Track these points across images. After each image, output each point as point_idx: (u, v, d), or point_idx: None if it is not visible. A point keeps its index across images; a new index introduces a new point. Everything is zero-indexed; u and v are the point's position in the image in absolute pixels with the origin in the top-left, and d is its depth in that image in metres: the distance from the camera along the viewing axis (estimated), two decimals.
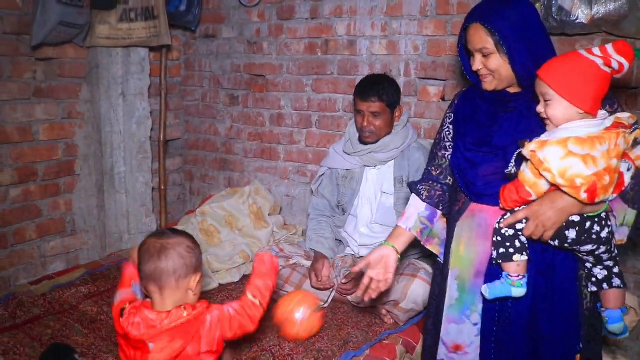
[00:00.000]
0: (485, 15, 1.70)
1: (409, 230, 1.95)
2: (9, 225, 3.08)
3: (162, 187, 3.74)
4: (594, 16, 2.50)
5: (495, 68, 1.72)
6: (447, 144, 1.96)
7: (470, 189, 1.80)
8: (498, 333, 1.76)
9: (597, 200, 1.51)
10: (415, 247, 2.63)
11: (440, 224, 1.99)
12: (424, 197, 1.96)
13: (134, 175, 3.54)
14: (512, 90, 1.78)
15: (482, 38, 1.70)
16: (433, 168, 2.01)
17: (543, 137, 1.57)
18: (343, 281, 2.60)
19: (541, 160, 1.50)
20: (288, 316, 1.95)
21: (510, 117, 1.76)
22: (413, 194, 2.01)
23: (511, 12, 1.67)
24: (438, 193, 1.96)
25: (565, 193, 1.52)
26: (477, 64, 1.75)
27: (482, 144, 1.78)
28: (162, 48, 3.57)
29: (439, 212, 1.98)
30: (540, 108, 1.60)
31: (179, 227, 3.27)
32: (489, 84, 1.77)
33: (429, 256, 2.74)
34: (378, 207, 2.78)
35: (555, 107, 1.56)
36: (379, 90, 2.62)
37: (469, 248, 1.81)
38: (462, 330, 1.84)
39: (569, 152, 1.48)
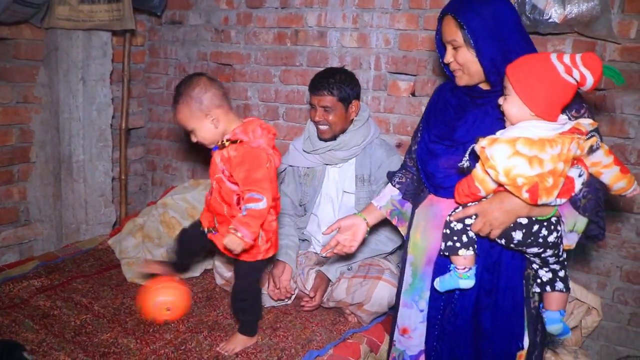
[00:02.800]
0: (457, 8, 1.70)
1: (380, 208, 2.08)
2: None
3: (123, 177, 3.62)
4: (567, 16, 2.48)
5: (463, 61, 1.72)
6: (419, 138, 2.00)
7: (430, 181, 1.86)
8: (443, 323, 1.81)
9: (539, 202, 1.51)
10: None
11: (410, 208, 2.06)
12: (395, 183, 2.09)
13: (94, 164, 3.41)
14: (483, 87, 1.78)
15: (452, 30, 1.71)
16: (408, 159, 2.09)
17: (497, 134, 1.57)
18: (311, 294, 2.52)
19: (487, 157, 1.51)
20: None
21: (476, 113, 1.77)
22: (389, 183, 2.11)
23: (483, 6, 1.67)
24: (407, 181, 2.07)
25: (509, 192, 1.53)
26: (448, 56, 1.77)
27: (444, 137, 1.82)
28: (125, 32, 3.44)
29: None
30: (500, 100, 1.61)
31: (138, 219, 3.18)
32: (460, 79, 1.78)
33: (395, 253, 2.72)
34: (340, 206, 2.72)
35: (510, 103, 1.57)
36: (330, 84, 2.56)
37: (424, 236, 1.86)
38: (410, 314, 1.91)
39: (516, 152, 1.49)
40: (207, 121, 2.07)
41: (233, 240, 1.96)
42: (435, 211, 1.83)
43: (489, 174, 1.53)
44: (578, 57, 1.48)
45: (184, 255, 2.43)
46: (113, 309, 2.52)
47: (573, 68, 1.48)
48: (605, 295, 2.70)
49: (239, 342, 2.26)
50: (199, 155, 3.76)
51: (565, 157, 1.48)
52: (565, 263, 1.71)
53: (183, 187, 3.34)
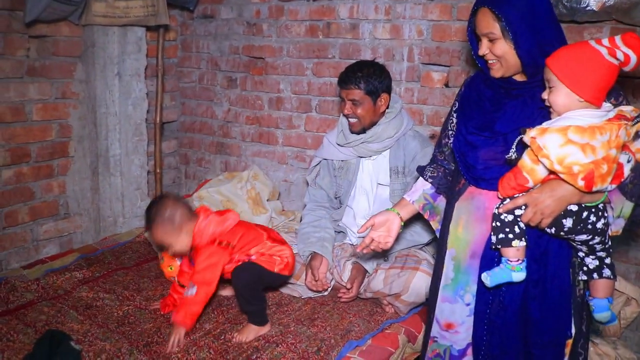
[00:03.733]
0: (494, 0, 1.69)
1: (412, 203, 2.09)
2: (0, 207, 3.00)
3: (158, 171, 3.67)
4: (605, 3, 2.45)
5: (500, 54, 1.72)
6: (450, 132, 2.02)
7: (471, 173, 1.85)
8: (491, 316, 1.81)
9: (594, 189, 1.52)
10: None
11: (443, 202, 2.07)
12: (427, 176, 2.10)
13: (129, 158, 3.47)
14: (518, 78, 1.79)
15: (489, 23, 1.70)
16: (438, 153, 2.10)
17: (545, 124, 1.59)
18: (348, 285, 2.56)
19: (540, 147, 1.52)
20: None
21: (514, 104, 1.77)
22: (420, 178, 2.13)
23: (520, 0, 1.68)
24: (440, 175, 2.08)
25: (564, 180, 1.54)
26: (484, 48, 1.76)
27: (484, 129, 1.81)
28: (159, 28, 3.49)
29: None
30: (544, 94, 1.63)
31: None
32: (496, 71, 1.78)
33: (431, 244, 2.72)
34: (375, 198, 2.73)
35: (557, 93, 1.58)
36: (357, 77, 2.55)
37: (467, 230, 1.86)
38: (454, 309, 1.91)
39: (568, 140, 1.50)
40: (182, 235, 2.33)
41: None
42: (478, 204, 1.82)
43: (542, 164, 1.55)
44: (618, 38, 1.51)
45: None
46: (154, 300, 2.57)
47: (616, 49, 1.50)
48: None
49: (251, 331, 2.34)
50: (232, 148, 3.81)
51: (615, 143, 1.50)
52: (611, 250, 1.71)
53: (218, 180, 3.38)
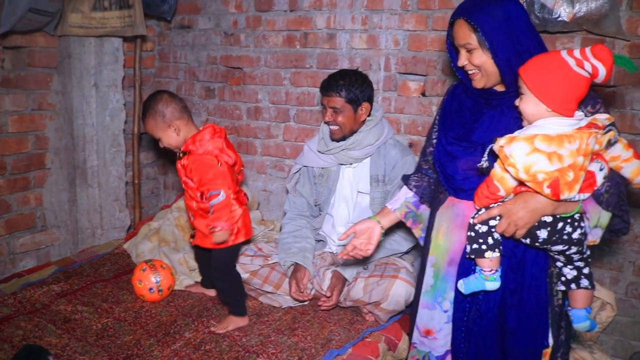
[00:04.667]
0: (469, 10, 1.72)
1: (394, 211, 2.11)
2: None
3: (136, 181, 3.65)
4: (576, 14, 2.51)
5: (479, 63, 1.74)
6: (434, 141, 2.03)
7: (450, 183, 1.87)
8: (469, 324, 1.83)
9: (562, 197, 1.53)
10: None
11: (427, 211, 2.09)
12: (412, 186, 2.12)
13: (107, 169, 3.45)
14: (498, 88, 1.81)
15: (465, 33, 1.73)
16: (423, 162, 2.12)
17: (516, 133, 1.60)
18: (327, 294, 2.57)
19: (507, 155, 1.53)
20: None
21: (492, 114, 1.79)
22: (405, 186, 2.15)
23: (494, 8, 1.70)
24: (424, 184, 2.10)
25: (531, 189, 1.55)
26: (462, 59, 1.78)
27: (462, 139, 1.84)
28: (136, 38, 3.48)
29: None
30: (517, 102, 1.65)
31: (153, 223, 3.21)
32: (478, 82, 1.79)
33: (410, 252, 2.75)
34: (354, 206, 2.74)
35: (526, 102, 1.60)
36: (339, 85, 2.58)
37: (446, 237, 1.88)
38: (433, 316, 1.93)
39: (534, 149, 1.51)
40: (170, 131, 2.44)
41: (218, 235, 2.36)
42: (457, 211, 1.85)
43: (508, 172, 1.56)
44: (588, 49, 1.52)
45: (207, 271, 2.74)
46: (134, 312, 2.56)
47: (584, 61, 1.51)
48: (619, 290, 2.73)
49: (231, 322, 2.47)
50: None
51: (584, 151, 1.50)
52: (590, 260, 1.71)
53: None
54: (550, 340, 1.77)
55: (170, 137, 2.45)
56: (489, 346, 1.81)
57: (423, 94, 3.04)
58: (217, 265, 2.53)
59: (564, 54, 1.55)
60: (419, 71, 3.03)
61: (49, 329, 2.39)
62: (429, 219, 1.99)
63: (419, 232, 2.13)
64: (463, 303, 1.82)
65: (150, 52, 3.86)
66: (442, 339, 1.92)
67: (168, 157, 4.00)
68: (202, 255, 2.69)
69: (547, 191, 1.51)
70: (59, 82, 3.27)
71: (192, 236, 2.59)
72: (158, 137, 2.47)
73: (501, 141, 1.56)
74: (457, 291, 1.82)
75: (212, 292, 2.76)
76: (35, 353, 2.09)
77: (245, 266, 2.70)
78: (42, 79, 3.20)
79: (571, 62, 1.52)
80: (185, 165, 2.44)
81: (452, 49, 1.85)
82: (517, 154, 1.52)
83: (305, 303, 2.67)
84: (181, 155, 2.47)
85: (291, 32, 3.36)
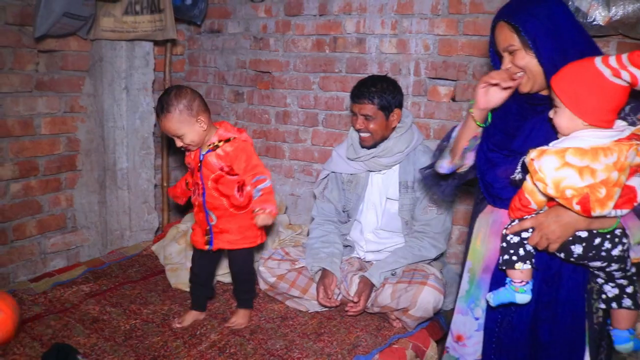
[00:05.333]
0: (510, 12, 1.68)
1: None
2: (8, 220, 3.02)
3: (165, 184, 3.68)
4: (612, 18, 2.46)
5: (523, 65, 1.68)
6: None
7: (489, 191, 1.83)
8: (500, 335, 1.79)
9: (594, 214, 1.47)
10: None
11: None
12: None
13: (137, 171, 3.48)
14: (545, 93, 1.73)
15: (506, 35, 1.68)
16: None
17: (550, 145, 1.54)
18: (355, 299, 2.55)
19: (536, 170, 1.49)
20: None
21: (535, 121, 1.74)
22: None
23: (535, 7, 1.65)
24: None
25: (560, 205, 1.50)
26: (506, 62, 1.72)
27: (503, 147, 1.79)
28: (166, 42, 3.51)
29: None
30: (551, 114, 1.58)
31: (181, 226, 3.23)
32: (523, 86, 1.72)
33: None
34: (383, 213, 2.72)
35: (561, 116, 1.54)
36: (371, 92, 2.56)
37: (483, 243, 1.85)
38: (465, 322, 1.91)
39: (565, 163, 1.46)
40: (197, 125, 2.34)
41: (264, 218, 2.32)
42: (495, 218, 1.82)
43: (537, 187, 1.51)
44: (625, 57, 1.43)
45: (207, 285, 2.68)
46: (162, 314, 2.57)
47: (621, 70, 1.43)
48: None
49: (246, 315, 2.55)
50: None
51: (621, 165, 1.44)
52: (635, 278, 1.63)
53: None
54: (588, 359, 1.69)
55: (196, 132, 2.33)
56: (521, 358, 1.77)
57: (453, 99, 3.01)
58: (245, 263, 2.58)
59: (598, 63, 1.47)
60: (449, 76, 3.00)
61: (78, 328, 2.42)
62: (470, 224, 1.96)
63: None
64: (495, 313, 1.79)
65: (180, 56, 3.90)
66: (471, 347, 1.89)
67: None
68: (209, 264, 2.64)
69: (577, 208, 1.47)
70: (90, 85, 3.32)
71: (207, 243, 2.48)
72: (182, 133, 2.32)
73: (532, 154, 1.52)
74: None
75: (202, 315, 2.59)
76: (64, 352, 2.11)
77: (273, 270, 2.70)
78: (74, 82, 3.25)
79: (606, 72, 1.45)
80: (228, 153, 2.37)
81: (496, 57, 1.80)
82: (547, 168, 1.47)
83: (332, 308, 2.66)
84: (219, 144, 2.38)
85: (320, 37, 3.36)
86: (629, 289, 1.62)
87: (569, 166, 1.45)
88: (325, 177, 2.86)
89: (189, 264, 2.92)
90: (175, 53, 3.79)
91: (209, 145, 2.39)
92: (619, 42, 2.56)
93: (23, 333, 2.34)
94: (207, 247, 2.49)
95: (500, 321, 1.79)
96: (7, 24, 2.82)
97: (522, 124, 1.76)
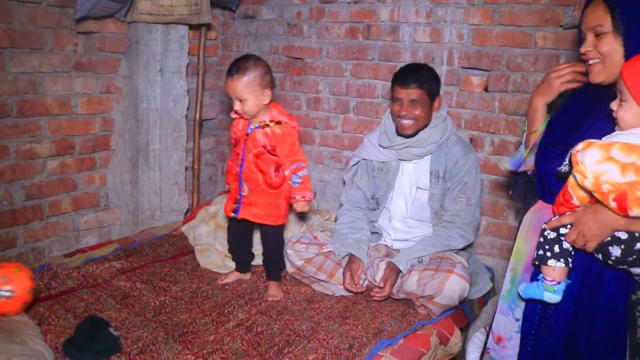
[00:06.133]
0: None
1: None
2: (45, 197, 3.10)
3: (195, 167, 3.74)
4: None
5: (606, 51, 1.57)
6: None
7: (542, 183, 1.79)
8: (537, 338, 1.74)
9: (631, 214, 1.40)
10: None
11: None
12: None
13: (169, 153, 3.54)
14: None
15: (598, 14, 1.57)
16: None
17: (604, 139, 1.48)
18: (380, 284, 2.56)
19: (577, 161, 1.43)
20: None
21: (597, 118, 1.64)
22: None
23: None
24: None
25: (599, 201, 1.45)
26: (588, 44, 1.62)
27: (560, 142, 1.72)
28: (201, 26, 3.55)
29: None
30: (613, 105, 1.50)
31: (211, 208, 3.28)
32: (596, 75, 1.63)
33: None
34: (413, 202, 2.72)
35: (627, 110, 1.46)
36: (419, 77, 2.55)
37: (526, 242, 1.81)
38: (506, 322, 1.87)
39: (608, 157, 1.39)
40: (261, 96, 2.43)
41: (303, 204, 2.48)
42: (541, 216, 1.77)
43: (575, 179, 1.47)
44: None
45: (242, 251, 2.84)
46: (190, 292, 2.62)
47: None
48: None
49: (278, 287, 2.68)
50: None
51: None
52: None
53: None
54: None
55: (258, 104, 2.43)
56: None
57: (485, 90, 3.00)
58: (276, 240, 2.72)
59: None
60: (483, 66, 2.99)
61: (109, 303, 2.48)
62: (519, 222, 1.90)
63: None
64: (532, 315, 1.74)
65: (214, 40, 3.94)
66: (511, 349, 1.84)
67: (228, 145, 4.07)
68: (242, 234, 2.77)
69: (613, 205, 1.41)
70: (126, 67, 3.38)
71: (234, 210, 2.60)
72: (245, 98, 2.40)
73: (579, 146, 1.45)
74: (527, 303, 1.75)
75: (247, 276, 2.82)
76: (97, 324, 2.16)
77: (300, 253, 2.73)
78: (110, 64, 3.32)
79: None
80: (273, 134, 2.46)
81: (580, 36, 1.67)
82: (589, 160, 1.41)
83: (358, 294, 2.68)
84: (270, 124, 2.47)
85: (354, 24, 3.36)
86: None
87: (612, 161, 1.39)
88: (356, 163, 2.87)
89: (218, 245, 2.99)
90: (209, 37, 3.84)
91: (260, 122, 2.48)
92: None
93: (57, 305, 2.41)
94: (232, 214, 2.62)
95: (537, 324, 1.74)
96: (49, 5, 2.88)
97: (584, 120, 1.68)
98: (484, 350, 1.98)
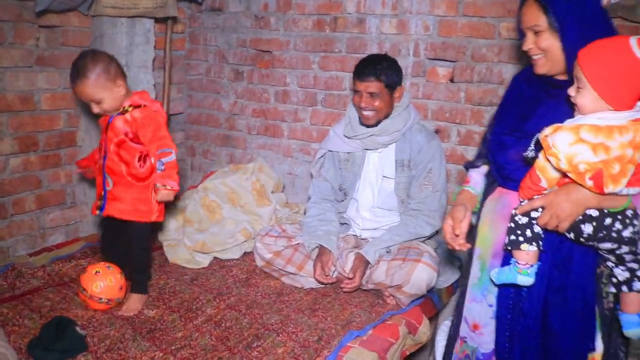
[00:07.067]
0: None
1: (477, 195, 1.99)
2: (8, 195, 3.03)
3: None
4: (611, 1, 2.44)
5: (545, 47, 1.66)
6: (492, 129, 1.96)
7: (500, 172, 1.83)
8: (512, 322, 1.77)
9: (606, 190, 1.46)
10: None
11: None
12: (480, 164, 2.01)
13: None
14: (560, 77, 1.72)
15: (534, 14, 1.65)
16: (483, 148, 2.02)
17: (565, 122, 1.53)
18: (350, 275, 2.57)
19: (549, 145, 1.48)
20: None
21: (549, 104, 1.72)
22: (471, 169, 2.05)
23: None
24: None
25: (573, 180, 1.49)
26: (528, 42, 1.70)
27: (515, 129, 1.78)
28: (167, 20, 3.51)
29: None
30: (571, 91, 1.55)
31: (180, 203, 3.26)
32: (541, 67, 1.71)
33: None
34: (379, 191, 2.74)
35: (585, 96, 1.51)
36: (377, 70, 2.56)
37: (491, 229, 1.84)
38: (479, 310, 1.89)
39: (579, 139, 1.45)
40: (115, 89, 2.32)
41: (164, 193, 2.28)
42: (504, 202, 1.81)
43: (550, 162, 1.51)
44: None
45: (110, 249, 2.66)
46: (158, 288, 2.60)
47: None
48: None
49: (138, 301, 2.43)
50: (238, 141, 3.83)
51: (636, 143, 1.43)
52: None
53: (223, 172, 3.41)
54: (599, 345, 1.69)
55: (115, 97, 2.31)
56: (533, 347, 1.75)
57: (451, 80, 3.02)
58: (139, 240, 2.49)
59: (635, 49, 1.43)
60: (448, 57, 3.01)
61: (76, 301, 2.45)
62: (478, 210, 1.94)
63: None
64: (507, 300, 1.78)
65: (181, 34, 3.89)
66: (488, 335, 1.87)
67: (197, 139, 4.04)
68: (113, 233, 2.58)
69: (590, 183, 1.46)
70: None
71: (99, 207, 2.45)
72: (100, 98, 2.28)
73: (546, 130, 1.51)
74: (500, 287, 1.78)
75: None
76: (63, 324, 2.14)
77: (269, 246, 2.73)
78: (74, 58, 3.25)
79: None
80: (136, 119, 2.33)
81: (522, 34, 1.75)
82: (561, 143, 1.46)
83: (328, 285, 2.69)
84: (129, 109, 2.36)
85: (321, 16, 3.35)
86: None
87: (583, 142, 1.45)
88: (322, 155, 2.88)
89: (187, 241, 2.97)
90: (176, 31, 3.79)
91: (119, 108, 2.37)
92: (617, 25, 2.54)
93: (22, 305, 2.37)
94: (97, 212, 2.47)
95: (512, 308, 1.77)
96: None
97: (535, 108, 1.75)
98: (459, 339, 2.00)
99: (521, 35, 1.77)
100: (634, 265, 1.60)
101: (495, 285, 1.76)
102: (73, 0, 2.95)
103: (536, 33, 1.67)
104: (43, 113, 3.13)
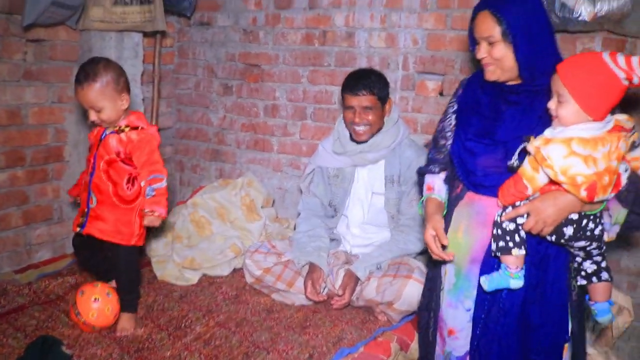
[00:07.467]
0: (495, 3, 1.72)
1: (444, 202, 2.02)
2: None
3: None
4: (597, 14, 2.47)
5: (499, 57, 1.74)
6: (448, 134, 2.01)
7: (470, 179, 1.86)
8: (487, 322, 1.82)
9: (596, 199, 1.56)
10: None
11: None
12: (438, 170, 2.03)
13: None
14: (512, 82, 1.80)
15: (489, 26, 1.72)
16: (436, 153, 2.05)
17: (547, 134, 1.61)
18: (340, 292, 2.55)
19: (544, 157, 1.55)
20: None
21: (513, 112, 1.79)
22: (427, 174, 2.07)
23: (521, 4, 1.71)
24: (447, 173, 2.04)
25: (566, 190, 1.57)
26: (482, 52, 1.77)
27: (483, 136, 1.83)
28: (156, 34, 3.49)
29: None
30: (552, 105, 1.63)
31: (169, 219, 3.22)
32: (491, 73, 1.79)
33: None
34: (369, 207, 2.72)
35: (567, 109, 1.59)
36: (369, 83, 2.56)
37: (467, 235, 1.86)
38: (456, 315, 1.92)
39: (572, 152, 1.54)
40: (118, 102, 2.28)
41: (152, 219, 2.27)
42: (478, 209, 1.84)
43: (545, 173, 1.59)
44: (635, 60, 1.52)
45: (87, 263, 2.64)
46: (146, 306, 2.57)
47: (634, 75, 1.52)
48: (636, 295, 2.68)
49: (131, 320, 2.39)
50: (227, 155, 3.81)
51: (616, 154, 1.54)
52: (605, 254, 1.77)
53: (212, 187, 3.38)
54: (570, 335, 1.79)
55: (116, 110, 2.28)
56: (511, 346, 1.80)
57: (441, 94, 3.02)
58: (128, 263, 2.45)
59: (610, 64, 1.55)
60: (437, 70, 3.01)
61: (63, 319, 2.41)
62: (445, 217, 1.95)
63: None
64: (484, 302, 1.82)
65: (170, 48, 3.88)
66: (462, 339, 1.91)
67: (186, 154, 4.02)
68: (88, 248, 2.51)
69: (584, 194, 1.54)
70: None
71: (80, 225, 2.39)
72: (101, 106, 2.24)
73: (537, 142, 1.59)
74: (479, 290, 1.82)
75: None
76: (48, 343, 2.10)
77: (259, 263, 2.70)
78: (62, 72, 3.23)
79: (621, 75, 1.53)
80: (128, 140, 2.30)
81: (473, 40, 1.83)
82: (555, 156, 1.54)
83: (320, 303, 2.66)
84: (125, 129, 2.32)
85: (310, 30, 3.35)
86: (604, 264, 1.77)
87: (575, 155, 1.53)
88: (311, 171, 2.86)
89: (176, 257, 2.93)
90: (165, 45, 3.78)
91: (115, 127, 2.33)
92: (604, 38, 2.59)
93: (6, 324, 2.33)
94: (77, 228, 2.41)
95: (488, 309, 1.82)
96: None
97: (499, 116, 1.81)
98: (428, 343, 2.04)
99: (473, 43, 1.84)
100: (599, 258, 1.75)
101: (486, 292, 1.78)
102: (61, 14, 2.93)
103: (490, 43, 1.74)
104: (30, 128, 3.10)
